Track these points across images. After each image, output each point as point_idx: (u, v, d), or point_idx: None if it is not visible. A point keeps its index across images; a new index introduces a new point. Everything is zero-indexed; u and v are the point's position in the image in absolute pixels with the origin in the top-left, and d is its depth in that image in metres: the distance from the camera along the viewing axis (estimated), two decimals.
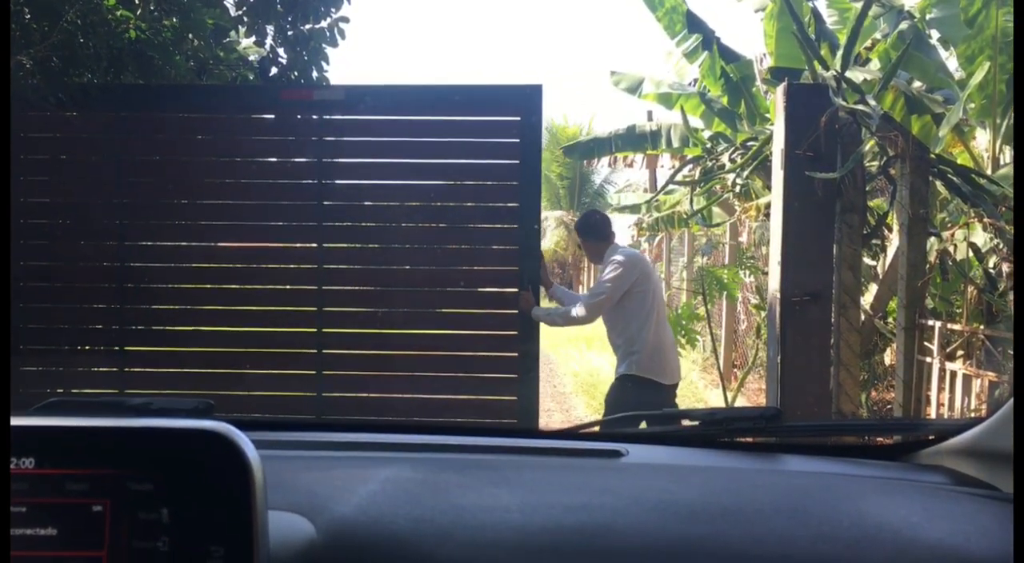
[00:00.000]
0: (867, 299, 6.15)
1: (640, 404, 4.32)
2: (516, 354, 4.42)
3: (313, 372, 4.49)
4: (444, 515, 0.95)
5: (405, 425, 1.35)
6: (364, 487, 1.01)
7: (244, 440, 0.76)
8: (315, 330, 4.53)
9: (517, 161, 4.40)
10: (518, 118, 4.41)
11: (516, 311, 4.38)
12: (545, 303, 4.63)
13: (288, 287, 4.65)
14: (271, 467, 0.79)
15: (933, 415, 4.54)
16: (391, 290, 4.58)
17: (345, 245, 4.66)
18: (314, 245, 4.57)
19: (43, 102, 4.33)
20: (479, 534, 0.92)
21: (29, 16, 4.67)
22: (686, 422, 1.35)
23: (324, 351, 4.51)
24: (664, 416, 1.35)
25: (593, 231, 4.73)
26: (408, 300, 4.57)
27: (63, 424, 0.77)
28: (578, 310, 4.54)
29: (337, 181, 4.58)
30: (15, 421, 0.77)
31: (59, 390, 4.60)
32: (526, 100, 4.42)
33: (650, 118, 12.73)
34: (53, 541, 0.74)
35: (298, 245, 4.69)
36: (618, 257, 4.51)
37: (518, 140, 4.41)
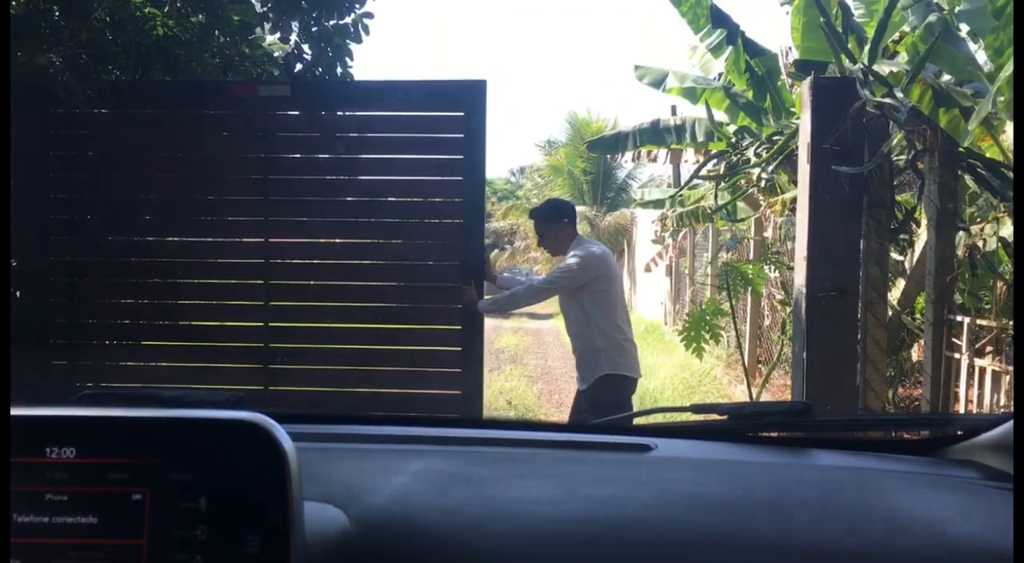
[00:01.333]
0: (894, 294, 6.10)
1: (613, 400, 4.29)
2: (460, 348, 4.47)
3: (260, 366, 4.58)
4: (475, 507, 0.96)
5: (435, 419, 1.36)
6: (396, 479, 1.02)
7: (280, 431, 0.77)
8: (262, 324, 4.62)
9: (461, 156, 4.45)
10: (462, 113, 4.46)
11: (460, 305, 4.42)
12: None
13: (234, 281, 4.72)
14: (304, 458, 0.80)
15: (962, 412, 4.50)
16: (337, 285, 4.65)
17: (291, 240, 4.70)
18: (260, 240, 4.63)
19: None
20: (509, 525, 0.92)
21: (58, 14, 4.72)
22: (714, 416, 1.35)
23: (271, 345, 4.59)
24: (691, 410, 1.34)
25: (556, 217, 4.56)
26: (353, 295, 4.65)
27: (104, 414, 0.79)
28: (525, 291, 4.50)
29: (282, 177, 4.64)
30: (55, 411, 0.79)
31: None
32: (471, 96, 4.47)
33: (674, 113, 12.68)
34: (94, 529, 0.75)
35: (244, 240, 4.74)
36: (583, 251, 4.39)
37: (462, 135, 4.46)
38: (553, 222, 4.53)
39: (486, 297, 4.48)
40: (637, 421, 1.38)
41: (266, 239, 4.60)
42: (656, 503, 0.99)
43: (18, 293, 4.64)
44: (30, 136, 4.47)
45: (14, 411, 0.79)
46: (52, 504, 0.76)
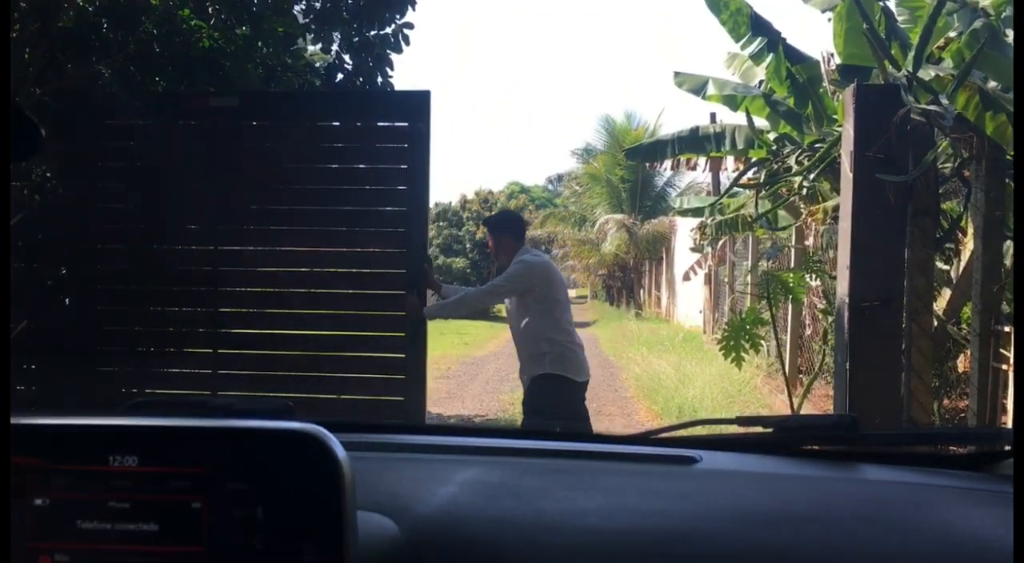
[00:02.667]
0: (940, 304, 6.00)
1: (556, 401, 4.38)
2: (404, 355, 4.51)
3: (209, 371, 4.65)
4: (524, 517, 0.96)
5: (480, 429, 1.37)
6: (444, 489, 1.03)
7: (335, 442, 0.79)
8: (210, 330, 4.69)
9: (405, 166, 4.52)
10: (406, 124, 4.54)
11: (403, 313, 4.48)
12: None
13: (182, 289, 4.77)
14: (355, 468, 0.81)
15: (1009, 424, 4.41)
16: (283, 292, 4.72)
17: (238, 247, 4.78)
18: (210, 247, 4.72)
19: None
20: (558, 537, 0.93)
21: (107, 26, 4.82)
22: (759, 429, 1.34)
23: (219, 351, 4.68)
24: (736, 422, 1.34)
25: (507, 229, 4.72)
26: (299, 302, 4.74)
27: (166, 424, 0.81)
28: (469, 296, 4.65)
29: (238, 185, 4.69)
30: (118, 421, 0.81)
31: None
32: (414, 105, 4.54)
33: (713, 120, 12.60)
34: (154, 536, 0.77)
35: (193, 247, 4.83)
36: (526, 258, 4.53)
37: (406, 145, 4.53)
38: (500, 233, 4.72)
39: (430, 303, 4.63)
40: (681, 433, 1.37)
41: (216, 247, 4.70)
42: (703, 516, 0.99)
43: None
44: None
45: (80, 420, 0.81)
46: (115, 511, 0.78)
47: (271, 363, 4.65)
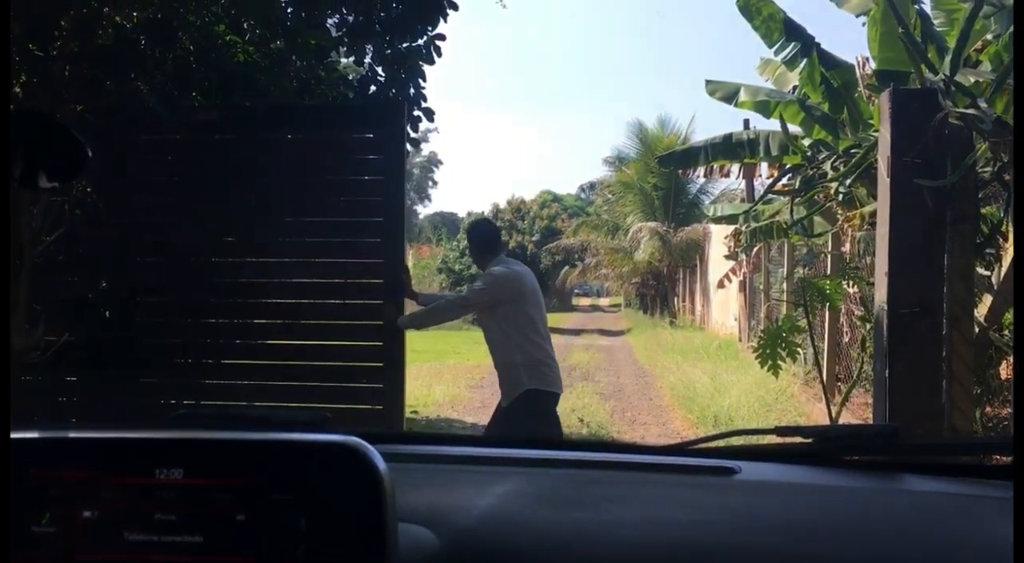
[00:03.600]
0: (981, 311, 5.90)
1: (533, 414, 4.37)
2: (382, 364, 4.58)
3: (186, 381, 4.75)
4: (563, 529, 0.96)
5: (517, 440, 1.37)
6: (483, 500, 1.03)
7: (375, 453, 0.79)
8: (183, 342, 4.80)
9: (382, 177, 4.60)
10: (375, 135, 4.68)
11: (380, 322, 4.55)
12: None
13: (159, 299, 4.89)
14: (394, 479, 0.82)
15: None
16: (263, 303, 4.85)
17: (217, 259, 4.88)
18: (212, 260, 4.86)
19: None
20: (598, 550, 0.92)
21: (145, 43, 4.90)
22: (798, 439, 1.33)
23: (200, 361, 4.81)
24: (775, 433, 1.32)
25: (480, 239, 4.75)
26: (279, 312, 4.82)
27: (211, 437, 0.82)
28: (441, 307, 4.71)
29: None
30: (164, 434, 0.82)
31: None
32: (388, 117, 4.66)
33: (747, 126, 12.53)
34: (200, 547, 0.78)
35: (192, 260, 4.90)
36: (494, 270, 4.49)
37: (381, 156, 4.62)
38: (473, 243, 4.79)
39: (406, 313, 4.69)
40: (720, 443, 1.36)
41: (214, 259, 4.85)
42: (744, 529, 0.98)
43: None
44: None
45: (126, 433, 0.82)
46: (161, 523, 0.79)
47: (249, 373, 4.76)
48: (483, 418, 9.15)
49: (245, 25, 5.38)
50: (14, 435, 0.83)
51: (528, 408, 4.40)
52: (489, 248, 4.66)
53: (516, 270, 4.61)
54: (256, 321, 4.88)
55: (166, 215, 4.86)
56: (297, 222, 4.78)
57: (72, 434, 0.83)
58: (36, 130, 0.84)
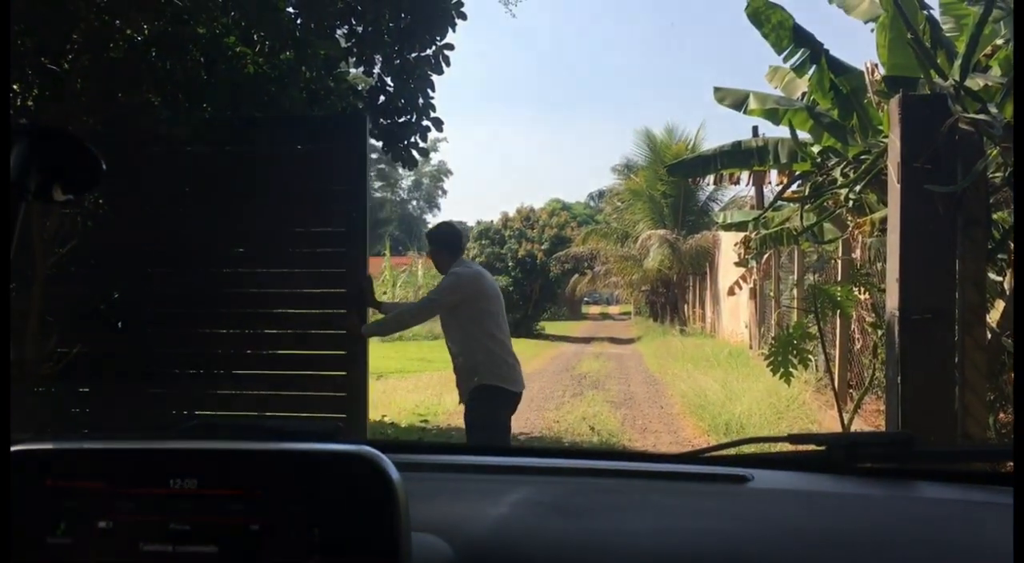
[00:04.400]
0: (994, 316, 5.87)
1: (487, 410, 4.42)
2: (345, 373, 4.62)
3: (163, 390, 4.79)
4: (576, 538, 0.96)
5: (527, 449, 1.37)
6: (495, 509, 1.03)
7: (388, 463, 0.79)
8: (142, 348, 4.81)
9: (344, 187, 4.67)
10: (334, 147, 4.73)
11: (343, 331, 4.59)
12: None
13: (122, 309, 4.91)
14: (407, 488, 0.82)
15: None
16: (226, 312, 4.90)
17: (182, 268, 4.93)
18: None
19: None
20: (610, 558, 0.92)
21: (155, 55, 4.93)
22: (812, 446, 1.32)
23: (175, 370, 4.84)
24: (788, 440, 1.32)
25: (442, 242, 4.78)
26: (243, 322, 4.90)
27: (226, 447, 0.82)
28: (405, 312, 4.84)
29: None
30: (179, 444, 0.83)
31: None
32: (350, 128, 4.72)
33: (756, 134, 12.52)
34: (214, 558, 0.78)
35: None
36: (456, 270, 4.57)
37: (343, 167, 4.68)
38: (435, 246, 4.80)
39: (370, 321, 4.75)
40: (732, 451, 1.36)
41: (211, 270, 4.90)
42: (757, 537, 0.98)
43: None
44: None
45: (140, 444, 0.83)
46: (176, 533, 0.79)
47: (215, 382, 4.79)
48: None
49: (255, 36, 5.41)
50: (29, 446, 0.83)
51: (481, 404, 4.45)
52: (450, 250, 4.72)
53: (476, 269, 4.80)
54: (220, 331, 4.99)
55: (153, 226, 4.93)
56: (264, 233, 4.85)
57: (87, 445, 0.83)
58: (51, 143, 0.85)
